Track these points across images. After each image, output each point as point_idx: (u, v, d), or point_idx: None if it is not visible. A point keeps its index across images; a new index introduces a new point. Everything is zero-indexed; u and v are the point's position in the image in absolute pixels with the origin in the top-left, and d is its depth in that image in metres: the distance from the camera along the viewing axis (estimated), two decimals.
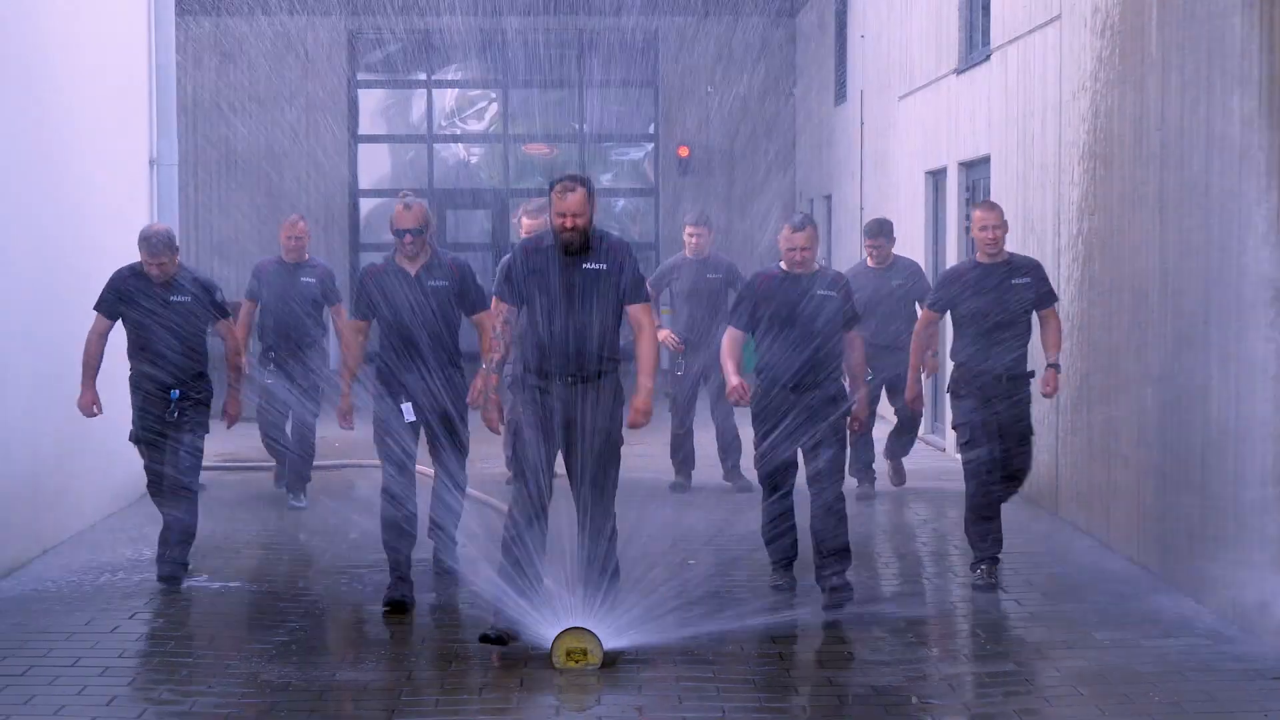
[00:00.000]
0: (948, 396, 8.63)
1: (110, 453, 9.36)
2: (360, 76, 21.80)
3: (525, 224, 10.42)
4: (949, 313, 8.52)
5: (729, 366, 7.85)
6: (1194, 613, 7.40)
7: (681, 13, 20.78)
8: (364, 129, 21.98)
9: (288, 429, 10.70)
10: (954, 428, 8.54)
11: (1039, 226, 10.67)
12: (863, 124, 16.87)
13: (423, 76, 22.02)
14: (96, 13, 10.32)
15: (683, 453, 11.32)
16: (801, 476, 7.88)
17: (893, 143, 15.51)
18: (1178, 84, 8.07)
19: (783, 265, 7.94)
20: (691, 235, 11.22)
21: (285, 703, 6.23)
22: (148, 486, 8.54)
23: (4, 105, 8.61)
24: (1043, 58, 10.68)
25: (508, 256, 7.52)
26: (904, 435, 11.12)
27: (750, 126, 21.09)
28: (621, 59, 20.98)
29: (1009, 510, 8.81)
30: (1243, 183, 7.23)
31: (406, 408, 7.80)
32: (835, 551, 7.70)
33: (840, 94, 18.44)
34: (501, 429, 7.47)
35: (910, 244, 14.57)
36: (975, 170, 12.79)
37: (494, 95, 22.21)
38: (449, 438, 7.92)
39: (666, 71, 21.55)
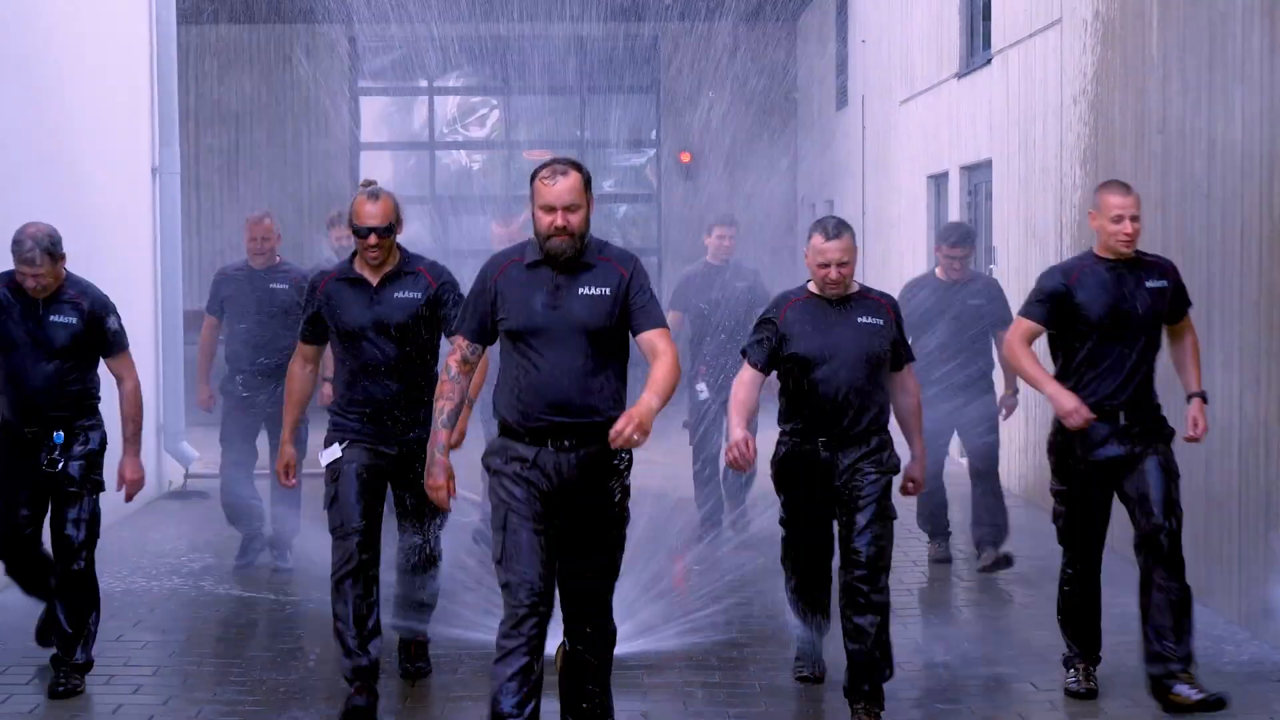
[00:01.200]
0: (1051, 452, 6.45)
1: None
2: (361, 84, 21.83)
3: (495, 233, 9.20)
4: (1047, 326, 6.38)
5: (735, 417, 6.00)
6: (1201, 616, 7.35)
7: (682, 18, 20.78)
8: (366, 136, 22.00)
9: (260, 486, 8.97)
10: (1055, 493, 6.45)
11: (1041, 231, 10.67)
12: (864, 128, 16.88)
13: (424, 84, 22.04)
14: (98, 22, 10.34)
15: (707, 490, 9.63)
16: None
17: (894, 147, 15.51)
18: (1179, 87, 8.08)
19: (811, 287, 6.11)
20: (722, 237, 9.78)
21: (294, 708, 6.23)
22: (5, 568, 6.85)
23: (9, 116, 8.62)
24: (1044, 61, 10.69)
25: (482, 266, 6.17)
26: (991, 502, 8.67)
27: (751, 131, 21.09)
28: (622, 65, 20.99)
29: (1014, 515, 8.79)
30: (1245, 185, 7.24)
31: (334, 451, 6.13)
32: (866, 694, 5.95)
33: (841, 98, 18.45)
34: (453, 505, 5.64)
35: (912, 249, 14.59)
36: (977, 174, 12.79)
37: (495, 102, 22.22)
38: (419, 503, 6.14)
39: (667, 77, 21.56)
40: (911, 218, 14.63)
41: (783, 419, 6.16)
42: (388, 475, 6.20)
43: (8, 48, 8.70)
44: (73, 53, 9.78)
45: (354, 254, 6.20)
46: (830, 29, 18.99)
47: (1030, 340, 6.34)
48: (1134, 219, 6.20)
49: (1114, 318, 6.16)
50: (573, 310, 5.11)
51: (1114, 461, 6.21)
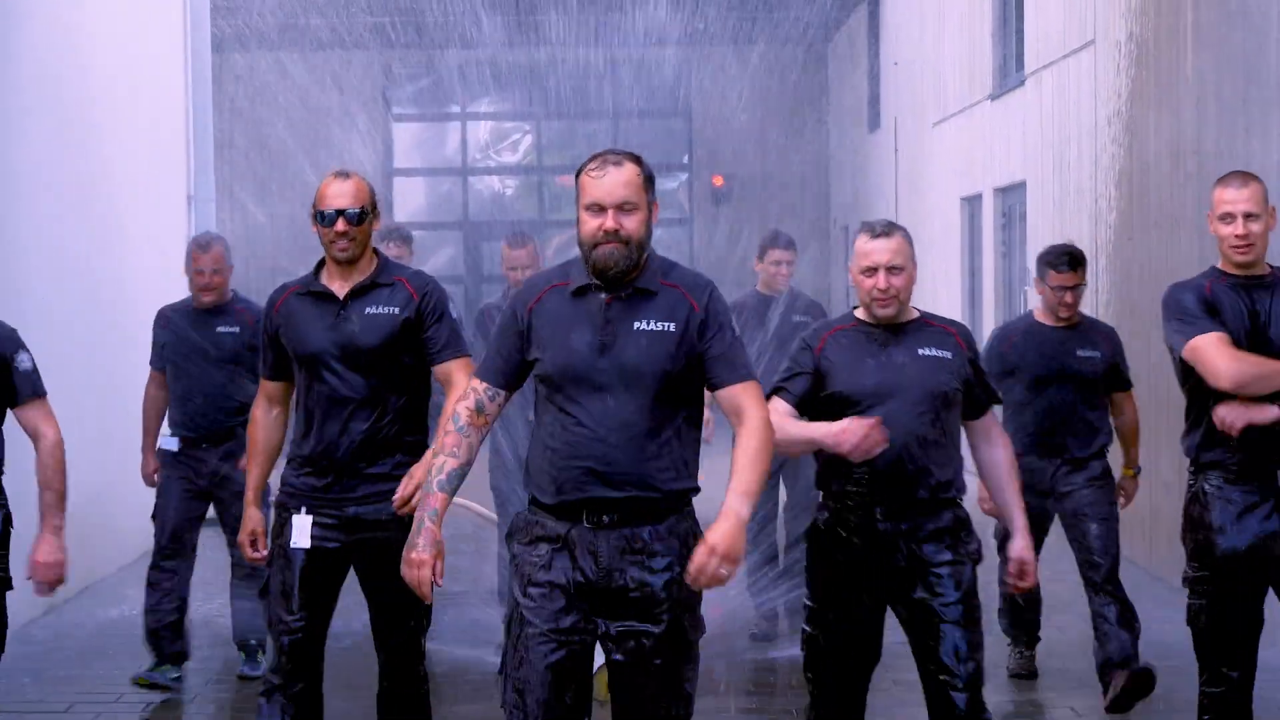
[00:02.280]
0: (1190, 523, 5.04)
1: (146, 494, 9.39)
2: (395, 111, 21.94)
3: (505, 254, 7.22)
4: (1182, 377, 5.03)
5: (803, 440, 4.63)
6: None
7: (713, 42, 20.83)
8: (399, 163, 22.10)
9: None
10: (1188, 582, 5.01)
11: None
12: (897, 150, 16.86)
13: (456, 110, 22.14)
14: (133, 49, 10.41)
15: (763, 583, 7.72)
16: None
17: (927, 169, 15.49)
18: (1214, 107, 8.04)
19: (859, 314, 4.78)
20: (779, 263, 7.67)
21: None
22: None
23: (44, 143, 8.68)
24: (1077, 82, 10.65)
25: (492, 301, 5.18)
26: (1119, 611, 6.38)
27: (783, 154, 21.10)
28: (654, 89, 21.03)
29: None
30: None
31: (301, 524, 4.75)
32: None
33: (874, 121, 18.44)
34: (440, 584, 3.99)
35: (946, 272, 14.54)
36: (1010, 196, 12.75)
37: (528, 127, 22.30)
38: (396, 597, 4.56)
39: (699, 101, 21.59)
40: (945, 241, 14.59)
41: (821, 481, 4.76)
42: (349, 559, 4.81)
43: (44, 75, 8.76)
44: (108, 80, 9.85)
45: (320, 264, 4.91)
46: (862, 51, 18.99)
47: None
48: (1249, 217, 4.86)
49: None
50: (626, 351, 3.89)
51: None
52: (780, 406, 4.61)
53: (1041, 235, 11.54)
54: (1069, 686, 6.76)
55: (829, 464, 4.68)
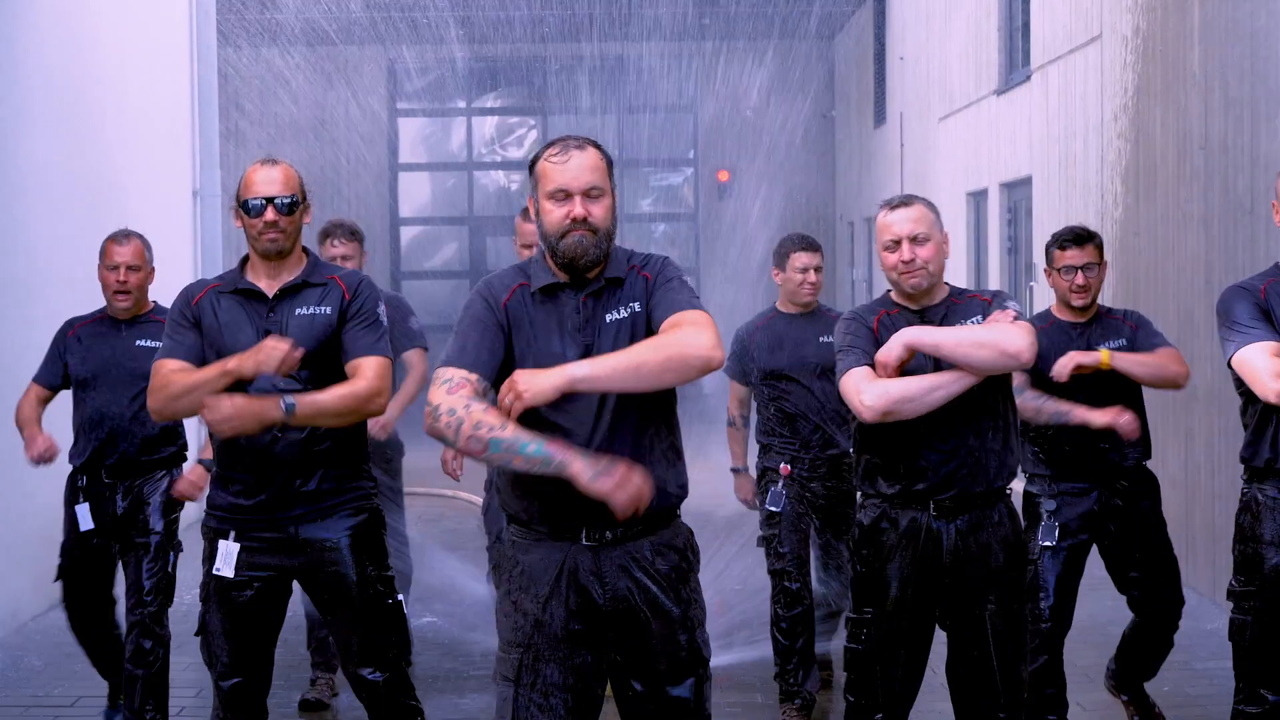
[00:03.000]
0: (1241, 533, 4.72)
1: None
2: (400, 106, 21.94)
3: (522, 231, 6.29)
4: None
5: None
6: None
7: (719, 37, 20.82)
8: (404, 158, 22.11)
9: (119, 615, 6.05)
10: (1233, 596, 4.69)
11: None
12: (903, 146, 16.86)
13: (462, 105, 22.14)
14: (140, 46, 10.42)
15: (798, 655, 6.26)
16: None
17: (933, 164, 15.48)
18: (1221, 102, 8.03)
19: (895, 296, 4.44)
20: (807, 269, 6.36)
21: None
22: None
23: (50, 141, 8.69)
24: (1084, 78, 10.65)
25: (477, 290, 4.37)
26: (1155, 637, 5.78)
27: (789, 150, 21.10)
28: (659, 84, 21.03)
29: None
30: None
31: (227, 550, 4.31)
32: None
33: (880, 116, 18.43)
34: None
35: (952, 267, 14.53)
36: (1017, 191, 12.75)
37: (533, 122, 22.31)
38: (362, 626, 4.36)
39: (705, 97, 21.59)
40: (951, 235, 14.59)
41: (865, 476, 4.42)
42: (287, 587, 4.40)
43: (49, 70, 8.78)
44: (114, 77, 9.86)
45: (244, 260, 4.47)
46: (868, 46, 18.98)
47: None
48: None
49: None
50: (604, 346, 3.60)
51: None
52: (864, 372, 4.22)
53: (1047, 231, 11.53)
54: (1074, 681, 6.65)
55: (871, 457, 4.37)
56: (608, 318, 3.64)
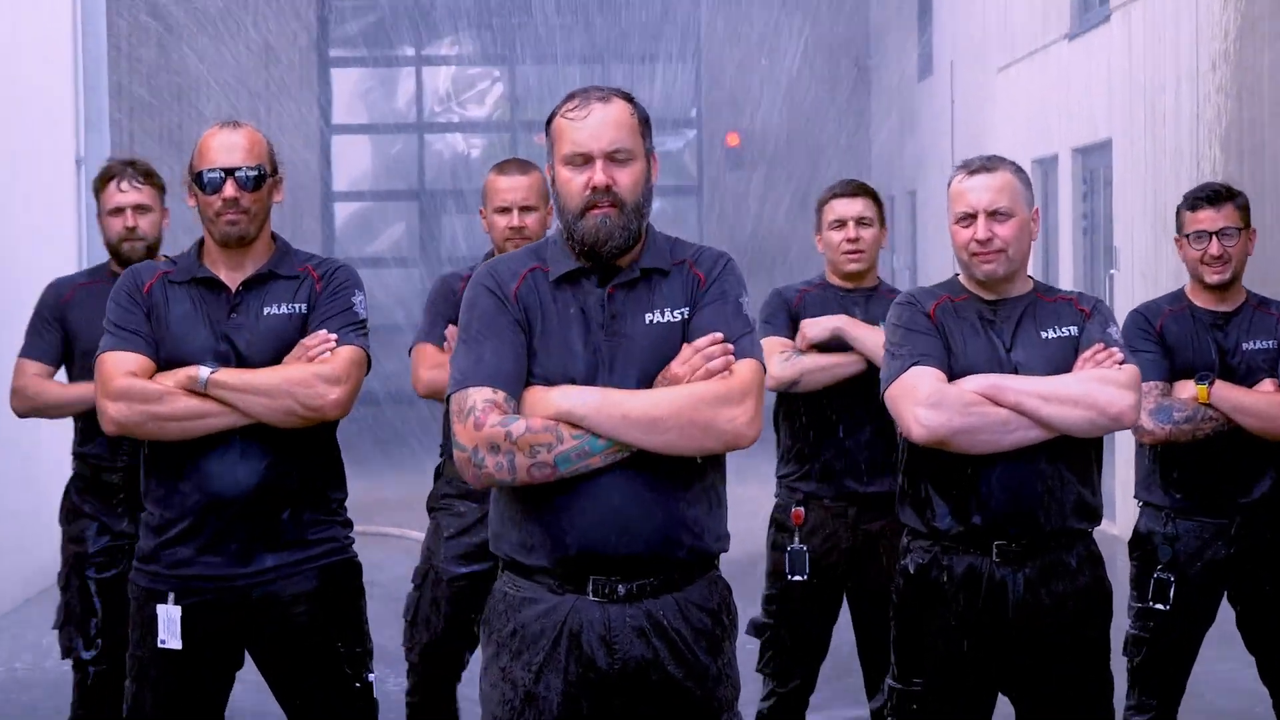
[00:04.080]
0: None
1: (27, 532, 9.44)
2: (333, 53, 21.97)
3: (495, 190, 6.12)
4: None
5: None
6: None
7: None
8: (339, 117, 22.13)
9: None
10: None
11: (1172, 223, 10.67)
12: (953, 102, 16.91)
13: (410, 52, 22.17)
14: None
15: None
16: None
17: (990, 125, 15.53)
18: None
19: (963, 280, 4.43)
20: (845, 221, 5.71)
21: None
22: None
23: None
24: (1175, 18, 10.70)
25: (453, 273, 5.05)
26: None
27: (814, 108, 21.14)
28: (655, 28, 21.07)
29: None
30: None
31: (169, 616, 4.17)
32: None
33: (925, 67, 18.49)
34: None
35: None
36: (1093, 157, 12.80)
37: (497, 73, 22.35)
38: (322, 691, 4.28)
39: (710, 43, 21.63)
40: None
41: (913, 510, 4.36)
42: (238, 653, 4.29)
43: None
44: None
45: (199, 243, 4.34)
46: None
47: None
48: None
49: None
50: (634, 353, 3.57)
51: None
52: (933, 373, 4.17)
53: (1130, 205, 11.58)
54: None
55: (922, 487, 4.30)
56: (646, 318, 3.59)
